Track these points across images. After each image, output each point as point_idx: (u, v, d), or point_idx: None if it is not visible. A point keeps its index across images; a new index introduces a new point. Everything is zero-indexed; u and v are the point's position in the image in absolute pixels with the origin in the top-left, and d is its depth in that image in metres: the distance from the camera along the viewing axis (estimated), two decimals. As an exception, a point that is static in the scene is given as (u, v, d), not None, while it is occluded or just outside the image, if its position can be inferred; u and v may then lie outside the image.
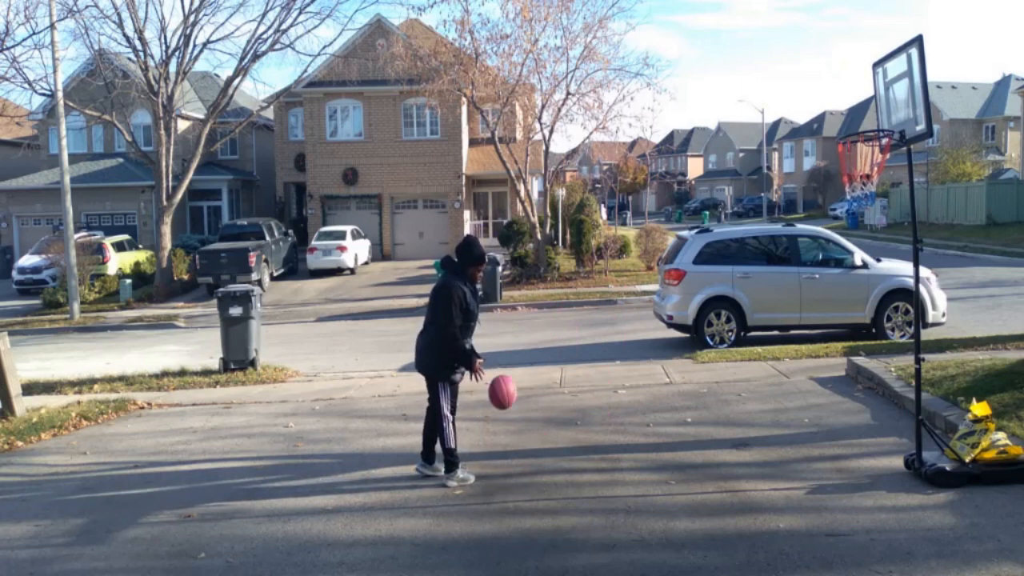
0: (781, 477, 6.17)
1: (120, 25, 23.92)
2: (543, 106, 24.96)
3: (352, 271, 28.28)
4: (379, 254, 32.72)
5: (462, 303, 6.20)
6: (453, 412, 6.48)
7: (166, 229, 25.31)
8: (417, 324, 6.63)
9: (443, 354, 6.26)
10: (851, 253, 12.50)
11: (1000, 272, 21.54)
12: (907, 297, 12.13)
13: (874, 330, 12.33)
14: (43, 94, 23.74)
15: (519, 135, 29.79)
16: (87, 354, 16.01)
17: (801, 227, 13.28)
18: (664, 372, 10.37)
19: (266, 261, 25.52)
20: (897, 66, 6.03)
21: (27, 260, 27.34)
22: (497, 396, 6.34)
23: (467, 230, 33.90)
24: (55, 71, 21.03)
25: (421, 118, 32.47)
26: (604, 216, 39.26)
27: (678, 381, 9.78)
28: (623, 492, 5.96)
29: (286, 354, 13.98)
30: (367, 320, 19.45)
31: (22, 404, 9.55)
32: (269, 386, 11.28)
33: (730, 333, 12.36)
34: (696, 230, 13.40)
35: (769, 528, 5.14)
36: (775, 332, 12.76)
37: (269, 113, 36.02)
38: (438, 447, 6.48)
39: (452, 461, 6.35)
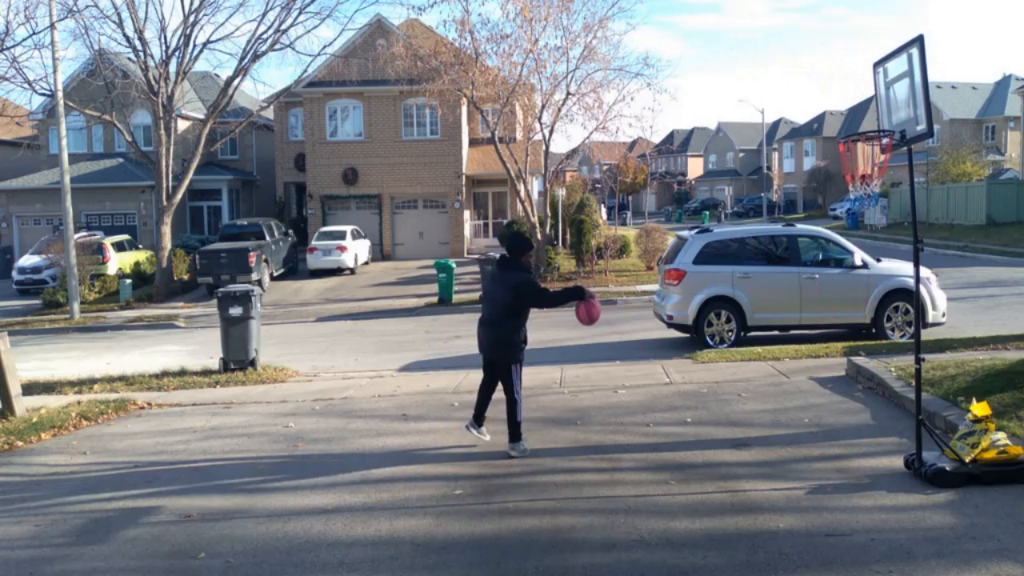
0: (781, 477, 6.17)
1: (120, 25, 23.96)
2: (543, 106, 24.97)
3: (352, 271, 28.28)
4: (379, 254, 32.72)
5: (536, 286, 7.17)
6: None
7: (166, 229, 25.31)
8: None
9: (520, 339, 7.08)
10: (851, 253, 12.50)
11: (1000, 272, 21.53)
12: (907, 297, 12.13)
13: (874, 330, 12.32)
14: (43, 94, 23.75)
15: (519, 135, 29.78)
16: (87, 354, 16.01)
17: (801, 227, 13.28)
18: (664, 372, 10.36)
19: (266, 261, 25.52)
20: (898, 66, 6.03)
21: (27, 260, 27.34)
22: (589, 314, 7.19)
23: (467, 230, 33.92)
24: (55, 71, 21.02)
25: (421, 118, 32.47)
26: (604, 216, 39.25)
27: (678, 381, 9.78)
28: (623, 492, 5.96)
29: (286, 354, 13.98)
30: (367, 320, 19.43)
31: (22, 404, 9.55)
32: (269, 386, 11.28)
33: (730, 333, 12.35)
34: (696, 230, 13.40)
35: (769, 528, 5.14)
36: (775, 332, 12.76)
37: (269, 113, 36.01)
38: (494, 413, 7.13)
39: (519, 433, 7.09)
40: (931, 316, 12.18)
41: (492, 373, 7.33)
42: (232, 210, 36.72)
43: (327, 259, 27.57)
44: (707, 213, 62.24)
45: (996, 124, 54.16)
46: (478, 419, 7.43)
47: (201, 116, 30.22)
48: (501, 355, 7.10)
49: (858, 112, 61.12)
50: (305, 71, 30.09)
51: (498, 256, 7.39)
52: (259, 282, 24.02)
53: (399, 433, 8.04)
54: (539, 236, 25.39)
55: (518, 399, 7.09)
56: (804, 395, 8.66)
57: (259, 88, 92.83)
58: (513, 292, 6.97)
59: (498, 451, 7.19)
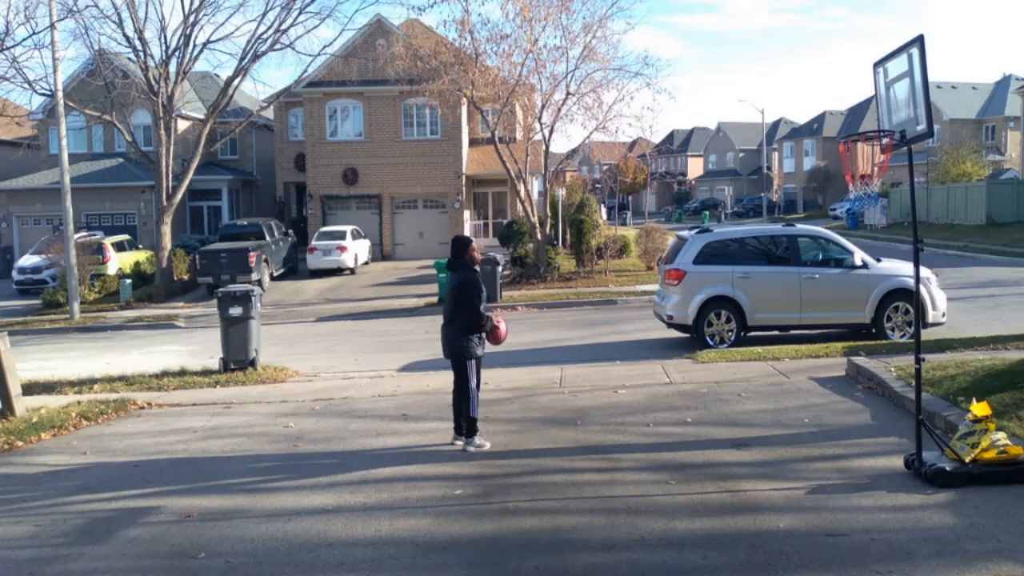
0: (781, 477, 6.17)
1: (120, 25, 23.95)
2: (543, 106, 24.96)
3: (352, 271, 28.28)
4: (379, 254, 32.71)
5: (480, 288, 7.37)
6: (478, 387, 7.48)
7: (166, 229, 25.31)
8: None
9: (471, 334, 7.29)
10: (851, 253, 12.50)
11: (1000, 272, 21.53)
12: (907, 297, 12.13)
13: (874, 330, 12.32)
14: (43, 94, 23.74)
15: (519, 135, 29.77)
16: (87, 354, 16.01)
17: (801, 227, 13.28)
18: (664, 372, 10.37)
19: (266, 261, 25.51)
20: (898, 66, 6.03)
21: (27, 260, 27.33)
22: (496, 337, 7.51)
23: (467, 230, 33.91)
24: (55, 71, 21.02)
25: (421, 118, 32.46)
26: (604, 216, 39.23)
27: (678, 381, 9.78)
28: (623, 492, 5.97)
29: (286, 354, 13.98)
30: (367, 320, 19.43)
31: (22, 404, 9.55)
32: (269, 386, 11.28)
33: (730, 333, 12.35)
34: (696, 230, 13.40)
35: (769, 528, 5.14)
36: (775, 332, 12.76)
37: (269, 113, 35.99)
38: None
39: (473, 429, 7.32)
40: (931, 316, 12.18)
41: None
42: (232, 210, 36.70)
43: (327, 259, 27.57)
44: (707, 213, 62.21)
45: (996, 124, 54.15)
46: (459, 428, 7.55)
47: (201, 116, 30.22)
48: (454, 351, 7.35)
49: (858, 112, 61.11)
50: (305, 71, 30.08)
51: (445, 260, 7.73)
52: (259, 282, 24.01)
53: (399, 433, 8.04)
54: (539, 236, 25.38)
55: (472, 396, 7.29)
56: (804, 395, 8.66)
57: (259, 88, 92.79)
58: (456, 289, 7.32)
59: (498, 451, 7.20)
